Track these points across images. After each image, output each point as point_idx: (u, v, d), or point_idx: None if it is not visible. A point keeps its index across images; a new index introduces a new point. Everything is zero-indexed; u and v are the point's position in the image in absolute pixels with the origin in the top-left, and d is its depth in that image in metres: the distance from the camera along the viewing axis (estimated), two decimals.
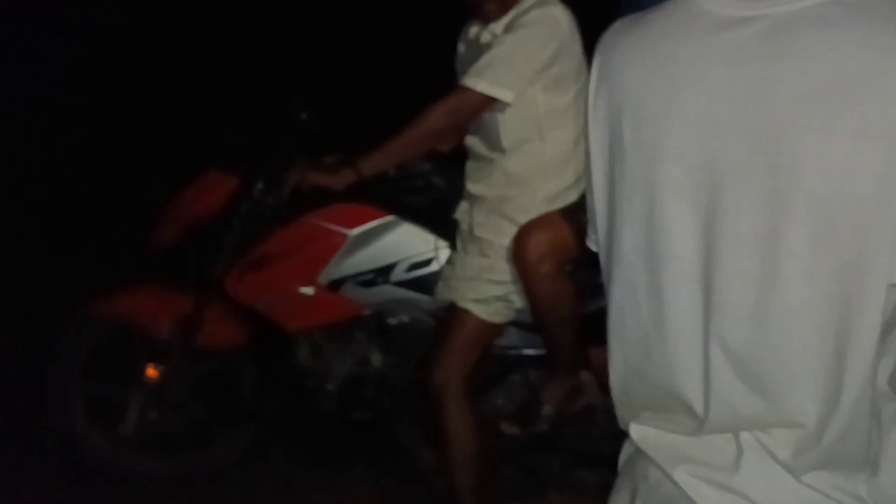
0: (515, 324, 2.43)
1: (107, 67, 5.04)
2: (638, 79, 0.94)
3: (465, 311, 2.31)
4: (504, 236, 2.29)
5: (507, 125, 2.23)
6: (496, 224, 2.31)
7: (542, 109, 2.22)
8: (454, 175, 2.47)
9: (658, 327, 0.95)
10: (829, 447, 0.87)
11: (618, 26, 1.02)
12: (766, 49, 0.83)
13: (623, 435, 1.09)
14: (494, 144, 2.28)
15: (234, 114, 2.85)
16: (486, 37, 2.22)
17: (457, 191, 2.44)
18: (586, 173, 1.06)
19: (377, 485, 2.82)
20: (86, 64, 5.03)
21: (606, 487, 1.14)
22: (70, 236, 4.13)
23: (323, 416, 2.66)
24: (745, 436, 0.92)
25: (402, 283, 2.49)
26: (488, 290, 2.31)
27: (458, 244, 2.40)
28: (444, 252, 2.47)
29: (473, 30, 2.31)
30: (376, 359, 2.58)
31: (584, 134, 1.04)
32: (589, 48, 1.04)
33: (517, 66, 2.14)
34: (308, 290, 2.51)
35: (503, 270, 2.30)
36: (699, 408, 0.92)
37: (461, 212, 2.40)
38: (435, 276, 2.45)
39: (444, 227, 2.45)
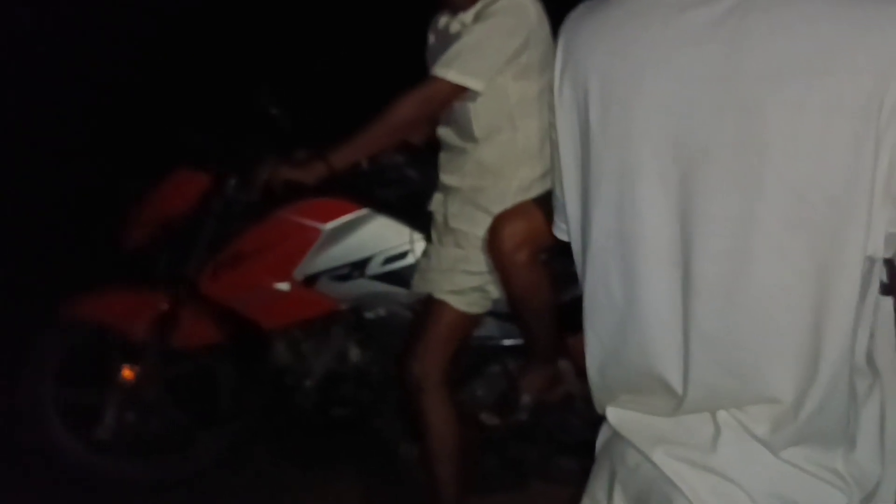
0: (493, 314, 2.43)
1: (75, 66, 4.97)
2: (603, 63, 0.93)
3: (442, 303, 2.30)
4: (479, 227, 2.28)
5: (479, 115, 2.22)
6: (470, 214, 2.30)
7: (513, 98, 2.22)
8: (428, 167, 2.46)
9: (633, 311, 0.95)
10: (806, 422, 0.88)
11: (581, 10, 1.01)
12: (731, 27, 0.83)
13: (602, 421, 1.08)
14: (467, 134, 2.27)
15: (203, 111, 2.82)
16: (455, 26, 2.22)
17: (431, 183, 2.42)
18: (553, 160, 1.06)
19: (360, 481, 2.81)
20: (53, 62, 4.96)
21: (587, 474, 1.13)
22: (40, 239, 4.07)
23: (303, 414, 2.64)
24: (722, 414, 0.92)
25: (379, 277, 2.48)
26: (464, 280, 2.30)
27: (434, 236, 2.39)
28: (420, 244, 2.46)
29: (443, 20, 2.30)
30: (354, 353, 2.57)
31: (551, 120, 1.04)
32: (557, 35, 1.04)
33: (487, 55, 2.13)
34: (284, 287, 2.49)
35: (479, 261, 2.29)
36: (678, 387, 0.92)
37: (435, 203, 2.40)
38: (411, 268, 2.44)
39: (419, 219, 2.44)
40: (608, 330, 0.99)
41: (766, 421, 0.89)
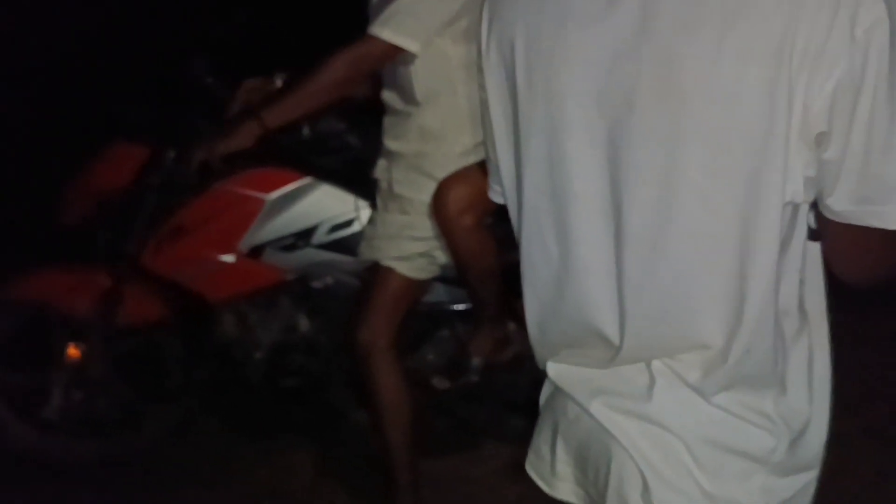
0: (441, 279, 2.44)
1: (4, 37, 4.81)
2: (526, 20, 0.93)
3: (389, 270, 2.30)
4: (423, 192, 2.28)
5: (419, 78, 2.21)
6: (415, 180, 2.29)
7: (453, 62, 2.20)
8: (370, 134, 2.45)
9: (568, 265, 0.96)
10: (734, 366, 0.90)
11: None
12: None
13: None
14: (409, 98, 2.26)
15: (138, 83, 2.76)
16: None
17: (373, 149, 2.41)
18: (484, 122, 1.06)
19: (312, 449, 2.82)
20: None
21: None
22: None
23: (253, 386, 2.64)
24: (656, 364, 0.94)
25: (325, 246, 2.46)
26: (411, 247, 2.30)
27: (379, 203, 2.38)
28: (366, 212, 2.44)
29: None
30: (303, 324, 2.56)
31: (480, 82, 1.04)
32: None
33: (423, 16, 2.11)
34: (229, 258, 2.46)
35: (424, 227, 2.29)
36: (615, 338, 0.94)
37: (380, 170, 2.38)
38: (357, 236, 2.43)
39: (364, 186, 2.43)
40: (545, 286, 1.01)
41: (697, 367, 0.92)
